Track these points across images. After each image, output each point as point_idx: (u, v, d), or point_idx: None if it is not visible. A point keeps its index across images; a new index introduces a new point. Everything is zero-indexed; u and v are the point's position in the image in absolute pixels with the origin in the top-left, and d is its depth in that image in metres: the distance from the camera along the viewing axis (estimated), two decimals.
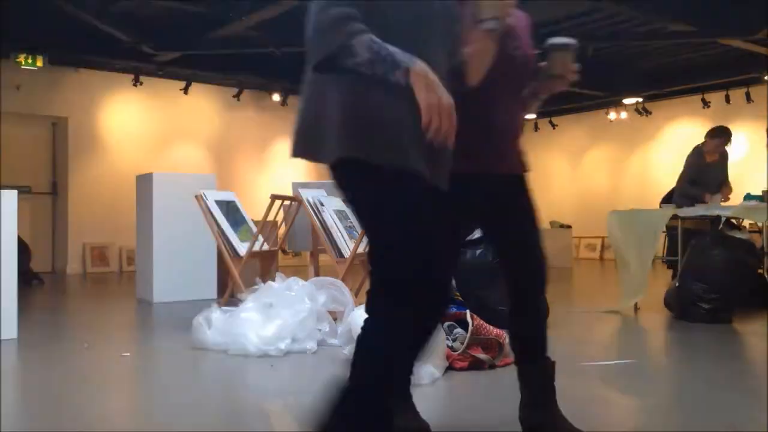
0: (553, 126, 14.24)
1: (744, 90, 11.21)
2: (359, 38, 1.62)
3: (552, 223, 12.65)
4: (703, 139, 6.51)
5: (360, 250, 4.82)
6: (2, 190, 4.33)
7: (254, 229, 5.74)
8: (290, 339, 3.74)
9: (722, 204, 6.08)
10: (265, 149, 12.16)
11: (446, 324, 3.40)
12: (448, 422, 2.63)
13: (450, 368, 3.20)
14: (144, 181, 6.75)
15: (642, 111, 12.68)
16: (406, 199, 1.67)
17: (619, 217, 5.86)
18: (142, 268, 6.75)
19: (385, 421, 1.69)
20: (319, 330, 3.93)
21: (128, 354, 3.88)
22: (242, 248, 5.45)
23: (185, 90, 11.05)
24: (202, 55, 10.10)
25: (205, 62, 10.45)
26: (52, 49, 9.36)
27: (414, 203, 1.67)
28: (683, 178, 6.52)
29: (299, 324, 3.79)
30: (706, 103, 11.65)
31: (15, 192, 4.39)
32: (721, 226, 5.33)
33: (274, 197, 5.29)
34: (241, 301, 4.05)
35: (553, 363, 2.25)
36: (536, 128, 14.87)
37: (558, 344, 4.27)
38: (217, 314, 3.95)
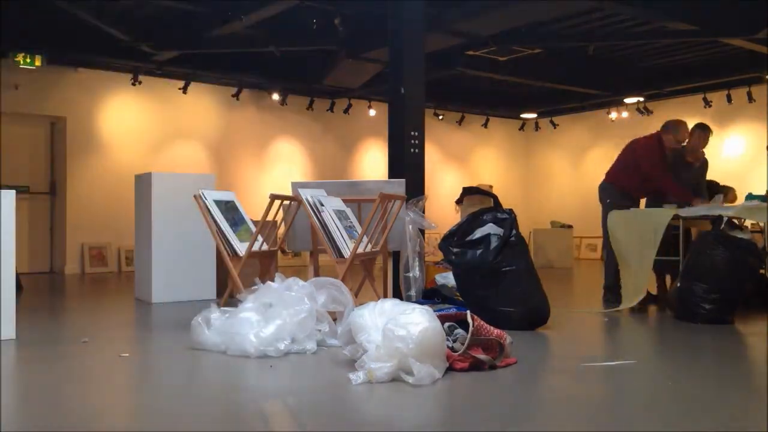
0: (554, 125, 14.24)
1: (746, 89, 11.21)
2: None
3: (553, 223, 12.65)
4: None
5: (360, 250, 4.79)
6: (0, 190, 4.31)
7: (253, 229, 5.72)
8: (290, 339, 3.72)
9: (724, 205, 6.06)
10: (264, 149, 12.12)
11: (447, 324, 3.38)
12: (448, 422, 2.62)
13: (450, 369, 3.18)
14: (143, 181, 6.73)
15: (643, 110, 12.68)
16: None
17: (620, 217, 5.85)
18: (140, 268, 6.72)
19: None
20: (319, 330, 3.91)
21: (127, 354, 3.86)
22: (241, 248, 5.43)
23: (184, 89, 11.03)
24: (201, 55, 10.10)
25: (204, 61, 10.44)
26: (50, 48, 9.35)
27: None
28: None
29: (299, 324, 3.77)
30: (707, 103, 11.64)
31: (13, 192, 4.36)
32: (722, 225, 5.31)
33: (273, 197, 5.27)
34: (240, 301, 4.02)
35: None
36: (537, 128, 14.88)
37: (558, 344, 4.27)
38: (216, 314, 3.93)
